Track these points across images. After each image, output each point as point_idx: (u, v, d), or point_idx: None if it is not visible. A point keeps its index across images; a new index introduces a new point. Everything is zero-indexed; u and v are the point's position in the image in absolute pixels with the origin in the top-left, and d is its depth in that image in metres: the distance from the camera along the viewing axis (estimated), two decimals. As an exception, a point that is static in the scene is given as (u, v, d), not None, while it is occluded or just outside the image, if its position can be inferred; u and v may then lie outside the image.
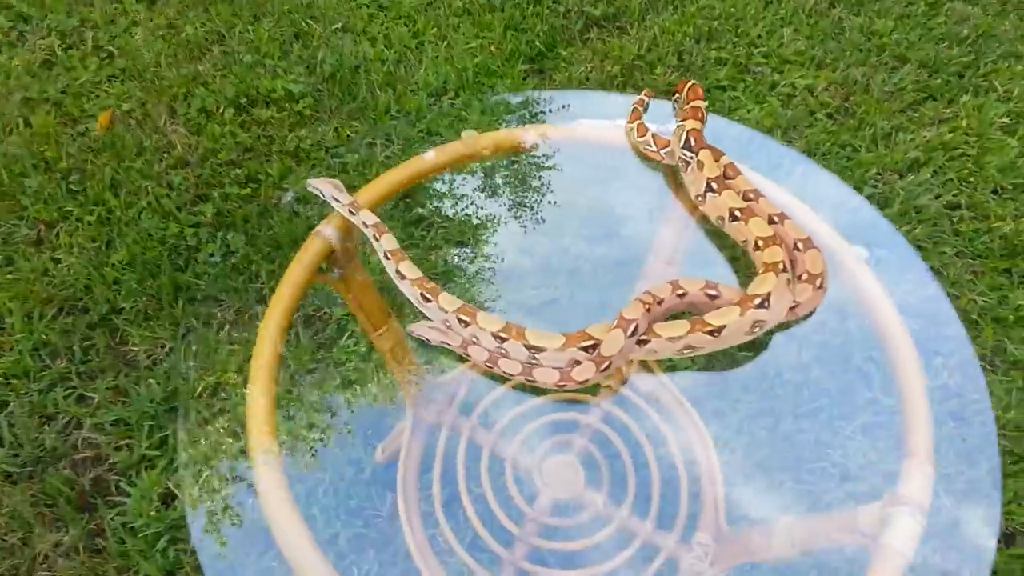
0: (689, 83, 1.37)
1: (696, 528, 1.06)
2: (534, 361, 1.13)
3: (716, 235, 1.28)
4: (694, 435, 1.12)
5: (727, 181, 1.22)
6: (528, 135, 1.45)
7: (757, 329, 1.14)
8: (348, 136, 2.31)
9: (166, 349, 1.88)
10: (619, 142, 1.40)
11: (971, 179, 2.18)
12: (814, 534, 1.07)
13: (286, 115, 2.36)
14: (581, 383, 1.11)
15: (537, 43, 2.54)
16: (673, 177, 1.36)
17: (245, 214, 2.11)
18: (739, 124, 1.57)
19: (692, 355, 1.15)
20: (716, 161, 1.24)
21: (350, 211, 1.32)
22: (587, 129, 1.44)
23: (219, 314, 2.04)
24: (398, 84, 2.44)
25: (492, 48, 2.55)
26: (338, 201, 1.34)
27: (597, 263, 1.28)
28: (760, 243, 1.16)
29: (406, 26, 2.64)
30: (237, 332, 1.96)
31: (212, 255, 2.04)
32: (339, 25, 2.61)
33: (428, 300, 1.20)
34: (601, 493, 1.08)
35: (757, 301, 1.10)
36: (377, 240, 1.27)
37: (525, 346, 1.13)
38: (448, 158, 1.45)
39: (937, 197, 2.14)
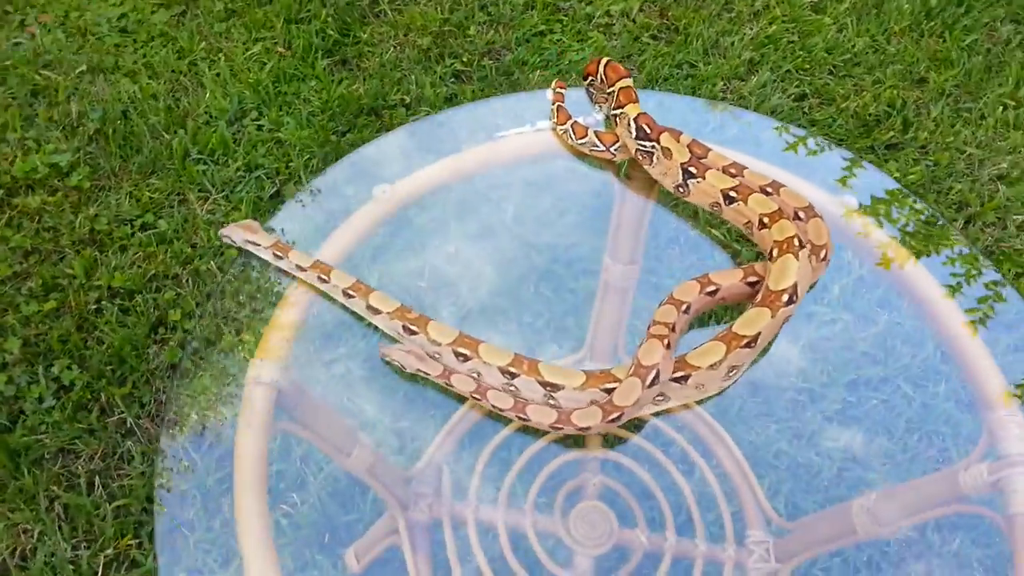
0: (604, 61, 1.19)
1: (747, 527, 0.96)
2: (552, 401, 0.97)
3: (676, 214, 1.15)
4: (697, 423, 1.02)
5: (701, 161, 1.07)
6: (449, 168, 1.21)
7: (784, 323, 1.03)
8: (151, 199, 1.91)
9: (34, 536, 1.48)
10: (542, 146, 1.20)
11: (806, 67, 2.19)
12: (908, 509, 1.00)
13: (61, 196, 1.90)
14: (581, 429, 0.96)
15: (329, 31, 2.22)
16: (614, 169, 1.19)
17: (61, 334, 1.69)
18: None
19: (737, 377, 1.02)
20: (678, 142, 1.08)
21: (275, 254, 1.08)
22: (511, 141, 1.22)
23: (81, 467, 1.63)
24: (187, 119, 2.04)
25: (279, 50, 2.20)
26: (257, 245, 1.09)
27: (551, 278, 1.11)
28: (765, 220, 1.03)
29: (165, 47, 2.20)
30: (113, 482, 1.58)
31: (41, 399, 1.62)
32: (83, 68, 2.13)
33: (414, 332, 1.01)
34: (639, 529, 0.95)
35: (785, 297, 0.98)
36: (326, 281, 1.06)
37: (539, 382, 0.96)
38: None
39: (784, 92, 2.14)
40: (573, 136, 1.15)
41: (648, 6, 2.34)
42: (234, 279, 1.13)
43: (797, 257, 0.99)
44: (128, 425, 1.62)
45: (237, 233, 1.10)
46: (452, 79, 2.16)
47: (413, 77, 2.13)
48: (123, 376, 1.67)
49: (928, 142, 2.04)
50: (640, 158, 1.11)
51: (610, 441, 1.00)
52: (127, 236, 1.85)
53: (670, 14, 2.31)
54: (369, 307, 1.04)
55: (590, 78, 1.21)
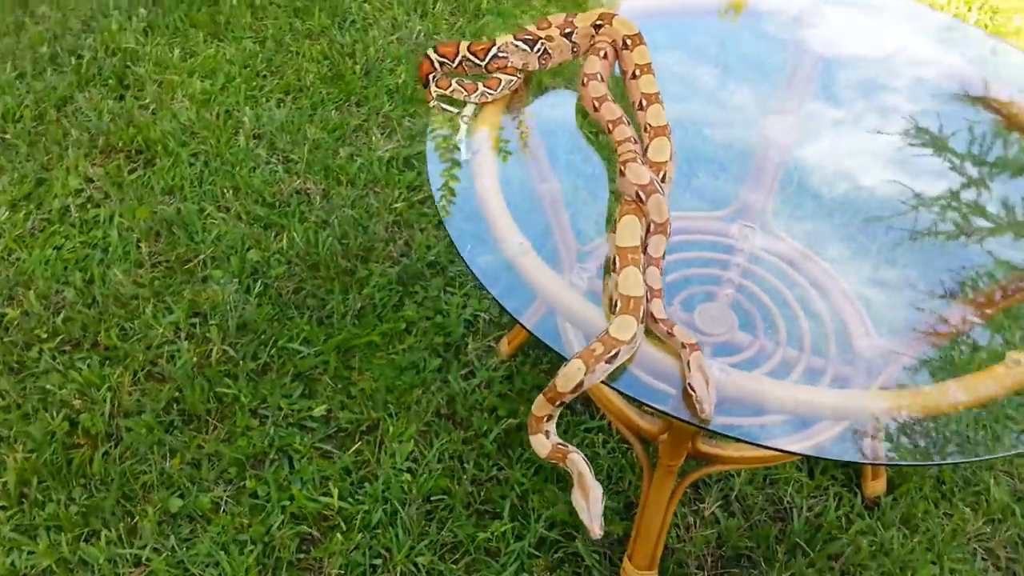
0: (464, 45, 1.26)
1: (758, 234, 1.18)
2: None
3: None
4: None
5: (563, 23, 1.27)
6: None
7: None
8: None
9: None
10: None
11: None
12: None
13: None
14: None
15: None
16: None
17: None
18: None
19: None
20: (538, 28, 1.25)
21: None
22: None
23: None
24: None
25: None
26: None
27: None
28: (644, 103, 1.21)
29: None
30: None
31: None
32: None
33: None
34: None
35: (662, 174, 1.12)
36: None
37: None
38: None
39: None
40: (493, 91, 1.23)
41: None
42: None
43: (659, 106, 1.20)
44: None
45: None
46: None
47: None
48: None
49: None
50: (542, 63, 1.26)
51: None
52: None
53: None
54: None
55: (430, 75, 1.26)
